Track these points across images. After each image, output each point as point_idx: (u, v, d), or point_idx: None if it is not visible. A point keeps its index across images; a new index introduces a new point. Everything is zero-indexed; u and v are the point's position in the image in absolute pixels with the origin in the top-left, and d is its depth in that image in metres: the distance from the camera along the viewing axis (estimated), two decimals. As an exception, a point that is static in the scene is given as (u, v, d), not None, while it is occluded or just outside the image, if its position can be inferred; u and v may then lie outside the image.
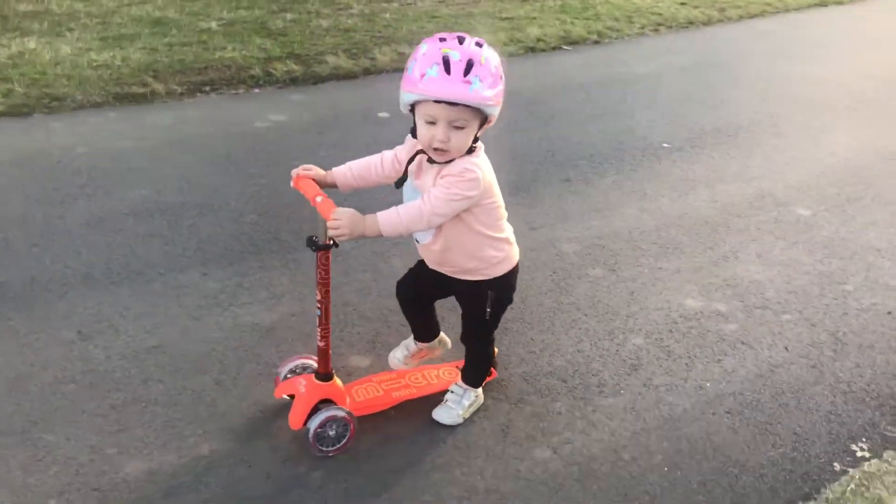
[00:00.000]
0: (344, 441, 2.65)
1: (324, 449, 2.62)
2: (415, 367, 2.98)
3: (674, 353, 3.26)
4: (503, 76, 2.27)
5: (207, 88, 6.10)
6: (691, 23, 8.82)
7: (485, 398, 2.93)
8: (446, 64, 2.18)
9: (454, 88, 2.18)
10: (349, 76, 6.53)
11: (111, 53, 6.64)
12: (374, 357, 3.14)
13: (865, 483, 2.65)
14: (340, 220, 2.27)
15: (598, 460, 2.71)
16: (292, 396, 2.77)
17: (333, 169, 2.62)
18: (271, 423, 2.78)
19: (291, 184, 2.57)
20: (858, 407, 3.01)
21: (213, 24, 7.78)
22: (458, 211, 2.38)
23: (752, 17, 9.35)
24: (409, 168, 2.46)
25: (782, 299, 3.67)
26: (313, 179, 2.56)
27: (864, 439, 2.85)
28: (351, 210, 2.31)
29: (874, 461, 2.75)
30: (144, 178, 4.48)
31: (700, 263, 3.94)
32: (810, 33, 8.82)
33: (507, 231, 2.60)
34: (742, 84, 6.84)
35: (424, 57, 2.22)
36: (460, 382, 2.84)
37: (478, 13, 8.83)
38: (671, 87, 6.59)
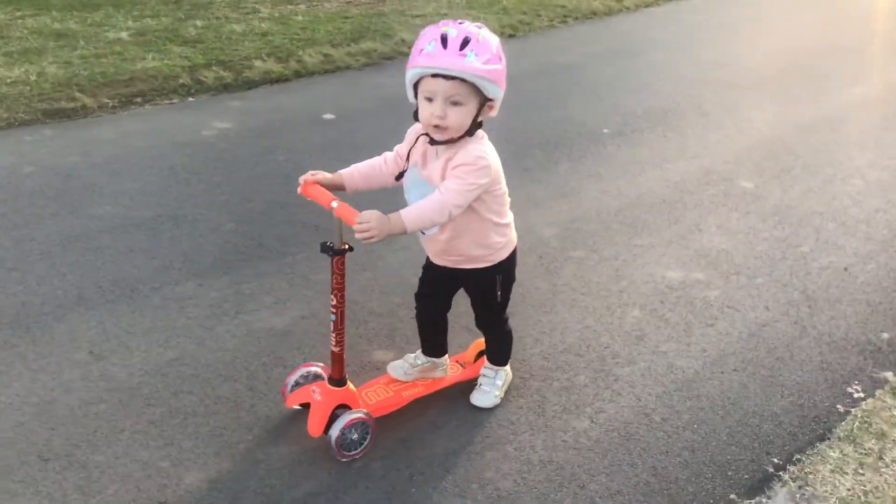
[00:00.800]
0: (367, 443, 2.66)
1: (348, 453, 2.62)
2: (415, 380, 2.94)
3: (670, 321, 3.48)
4: (503, 59, 2.30)
5: (139, 100, 5.97)
6: (594, 13, 9.20)
7: (514, 377, 3.05)
8: (443, 40, 2.22)
9: (449, 59, 2.21)
10: (281, 79, 6.52)
11: (23, 69, 6.38)
12: (396, 350, 3.20)
13: (867, 420, 2.93)
14: (369, 223, 2.22)
15: (632, 424, 2.88)
16: (305, 406, 2.77)
17: (340, 171, 2.61)
18: (317, 422, 2.80)
19: (299, 191, 2.55)
20: (844, 355, 3.31)
21: (123, 35, 7.58)
22: (472, 200, 2.43)
23: (647, 5, 9.85)
24: (413, 158, 2.50)
25: (750, 264, 3.96)
26: (321, 184, 2.53)
27: (856, 382, 3.14)
28: (376, 211, 2.27)
29: (870, 400, 3.04)
30: (105, 193, 4.37)
31: (669, 238, 4.19)
32: (703, 19, 9.38)
33: (510, 216, 2.65)
34: (656, 69, 7.22)
35: (424, 36, 2.28)
36: (489, 365, 2.92)
37: (389, 12, 8.93)
38: (593, 75, 6.90)
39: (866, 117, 6.15)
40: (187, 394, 2.92)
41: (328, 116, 5.67)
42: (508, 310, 2.89)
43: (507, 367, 2.97)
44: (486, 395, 2.89)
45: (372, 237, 2.23)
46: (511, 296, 2.83)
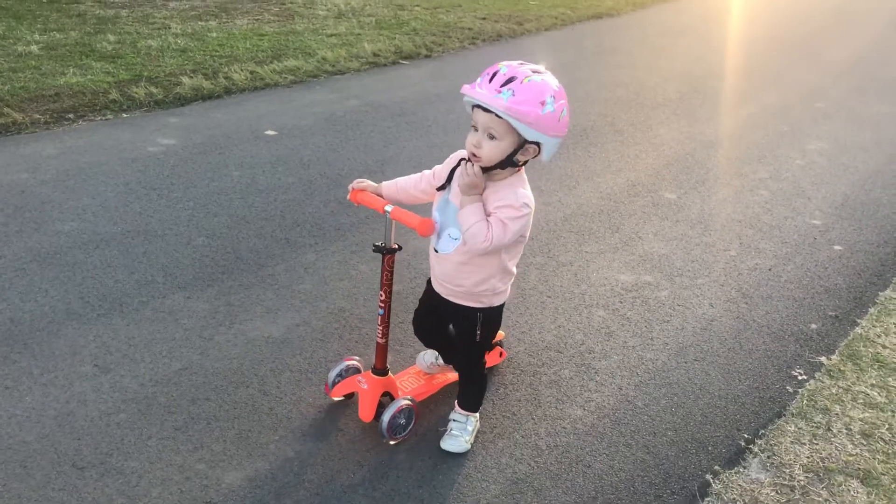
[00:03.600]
0: (411, 426, 2.92)
1: (396, 436, 2.88)
2: (436, 373, 3.18)
3: (632, 319, 3.85)
4: (554, 106, 2.37)
5: (72, 115, 5.90)
6: (500, 36, 9.66)
7: (506, 373, 3.33)
8: (493, 75, 2.36)
9: (483, 93, 2.34)
10: (212, 96, 6.57)
11: (-65, 83, 6.15)
12: (393, 353, 3.40)
13: (813, 398, 3.38)
14: (470, 178, 2.44)
15: (619, 410, 3.21)
16: (348, 396, 3.01)
17: (382, 183, 2.83)
18: (337, 420, 2.98)
19: (349, 197, 2.78)
20: (783, 343, 3.77)
21: (34, 48, 7.41)
22: (507, 245, 2.55)
23: (547, 29, 10.40)
24: (456, 181, 2.57)
25: (689, 267, 4.40)
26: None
27: (798, 367, 3.60)
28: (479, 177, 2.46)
29: (811, 381, 3.49)
30: (65, 209, 4.35)
31: (615, 244, 4.59)
32: (596, 42, 10.00)
33: (516, 267, 2.75)
34: (567, 89, 7.66)
35: (487, 69, 2.44)
36: (460, 410, 2.95)
37: (302, 30, 9.07)
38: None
39: (758, 134, 6.81)
40: (204, 400, 3.03)
41: (270, 133, 5.79)
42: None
43: (477, 415, 2.99)
44: (457, 439, 2.89)
45: (467, 178, 2.45)
46: (486, 352, 2.98)
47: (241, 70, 7.16)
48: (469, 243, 2.52)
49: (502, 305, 2.81)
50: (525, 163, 2.52)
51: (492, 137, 2.41)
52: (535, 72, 2.40)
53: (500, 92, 2.33)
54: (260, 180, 4.97)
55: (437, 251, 2.70)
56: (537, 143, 2.42)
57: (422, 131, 6.07)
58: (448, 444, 2.90)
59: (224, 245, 4.16)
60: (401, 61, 8.24)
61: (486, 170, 2.48)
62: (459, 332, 2.87)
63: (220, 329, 3.46)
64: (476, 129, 2.44)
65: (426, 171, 2.78)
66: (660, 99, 7.57)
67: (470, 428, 2.93)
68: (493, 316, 2.80)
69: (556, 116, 2.40)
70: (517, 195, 2.49)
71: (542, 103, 2.36)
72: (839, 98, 8.17)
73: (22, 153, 5.01)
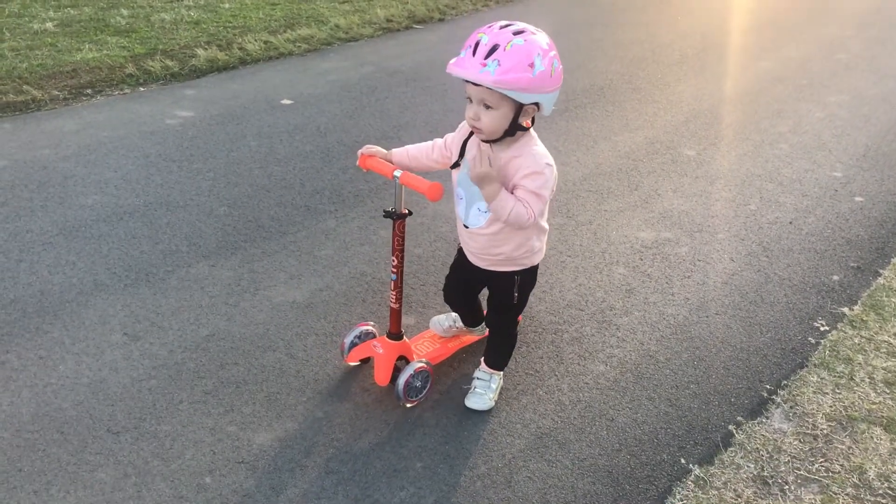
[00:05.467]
0: (427, 389, 2.95)
1: (412, 399, 2.91)
2: (453, 336, 3.21)
3: (652, 276, 3.86)
4: (543, 68, 2.28)
5: (90, 91, 5.93)
6: (513, -4, 9.56)
7: (528, 331, 3.36)
8: (475, 46, 2.27)
9: (467, 70, 2.26)
10: (228, 68, 6.57)
11: (-48, 62, 6.20)
12: (416, 315, 3.45)
13: (835, 349, 3.38)
14: (477, 168, 2.37)
15: (641, 365, 3.24)
16: (363, 361, 3.06)
17: (393, 150, 2.78)
18: (363, 381, 3.03)
19: (358, 163, 2.74)
20: (805, 296, 3.77)
21: (49, 26, 7.42)
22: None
23: (560, -12, 10.27)
24: (469, 155, 2.55)
25: (709, 223, 4.39)
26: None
27: (820, 318, 3.60)
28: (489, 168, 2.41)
29: (834, 332, 3.50)
30: (88, 183, 4.41)
31: (634, 202, 4.58)
32: (610, 1, 9.86)
33: (547, 225, 2.74)
34: (584, 49, 7.64)
35: (467, 41, 2.36)
36: (485, 368, 2.98)
37: (316, -1, 8.99)
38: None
39: (777, 88, 6.73)
40: (233, 365, 3.09)
41: (286, 102, 5.80)
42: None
43: (501, 372, 3.01)
44: (481, 397, 2.91)
45: (474, 171, 2.39)
46: (521, 312, 2.98)
47: (255, 40, 7.15)
48: (515, 226, 2.51)
49: (537, 267, 2.81)
50: (532, 122, 2.49)
51: (488, 107, 2.35)
52: (517, 33, 2.28)
53: (485, 65, 2.24)
54: (278, 149, 5.00)
55: (466, 227, 2.68)
56: (536, 103, 2.36)
57: (437, 96, 6.06)
58: (473, 401, 2.93)
59: (245, 214, 4.20)
60: (414, 26, 8.20)
61: (494, 140, 2.46)
62: (498, 295, 2.85)
63: (245, 296, 3.51)
64: (471, 101, 2.38)
65: (437, 140, 2.74)
66: (677, 56, 7.49)
67: (494, 386, 2.96)
68: (529, 276, 2.80)
69: (548, 73, 2.31)
70: (535, 158, 2.45)
71: (531, 65, 2.26)
72: (860, 50, 8.04)
73: (43, 129, 5.07)
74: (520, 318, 3.05)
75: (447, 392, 2.99)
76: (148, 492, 2.50)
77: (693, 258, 4.01)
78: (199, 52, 6.77)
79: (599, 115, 5.87)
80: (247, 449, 2.69)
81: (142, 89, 6.01)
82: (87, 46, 6.82)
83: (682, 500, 2.58)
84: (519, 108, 2.36)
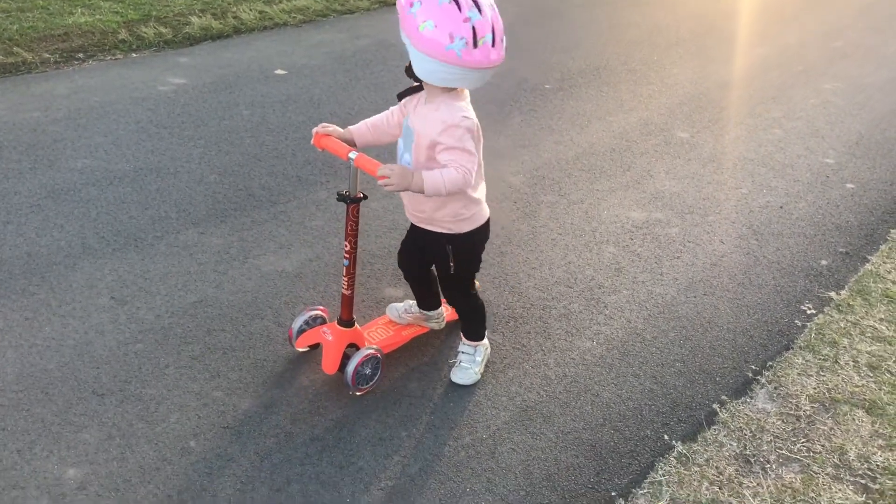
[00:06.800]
0: (377, 377, 2.85)
1: (361, 387, 2.80)
2: (408, 323, 3.10)
3: (642, 255, 3.87)
4: (415, 14, 2.23)
5: (81, 55, 5.87)
6: (512, -25, 9.48)
7: (516, 307, 3.36)
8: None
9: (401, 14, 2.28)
10: (221, 36, 6.52)
11: (-56, 22, 6.12)
12: (405, 286, 3.44)
13: (821, 332, 3.40)
14: (393, 175, 2.33)
15: (628, 343, 3.25)
16: (312, 347, 2.97)
17: (350, 127, 2.68)
18: (350, 351, 3.02)
19: (312, 142, 2.64)
20: (792, 279, 3.78)
21: (41, -12, 7.29)
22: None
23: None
24: (408, 107, 2.55)
25: (700, 205, 4.40)
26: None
27: (807, 301, 3.62)
28: (399, 165, 2.42)
29: (820, 316, 3.52)
30: (78, 147, 4.38)
31: (626, 182, 4.58)
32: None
33: (480, 193, 2.63)
34: (581, 29, 7.60)
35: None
36: (466, 341, 2.96)
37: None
38: (525, 35, 7.19)
39: (773, 74, 6.72)
40: (220, 331, 3.08)
41: (280, 72, 5.76)
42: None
43: (486, 342, 2.99)
44: (466, 371, 2.91)
45: (391, 186, 2.35)
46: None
47: (250, 10, 7.09)
48: (460, 191, 2.45)
49: (475, 234, 2.68)
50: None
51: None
52: None
53: (411, 5, 2.27)
54: (270, 119, 4.97)
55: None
56: None
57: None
58: (458, 376, 2.93)
59: (236, 182, 4.18)
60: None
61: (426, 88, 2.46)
62: (435, 262, 2.82)
63: (234, 264, 3.50)
64: None
65: (395, 107, 2.65)
66: (673, 38, 7.47)
67: (479, 358, 2.95)
68: (464, 245, 2.69)
69: (416, 24, 2.23)
70: (452, 112, 2.39)
71: (411, 4, 2.25)
72: (857, 38, 8.04)
73: (33, 92, 5.02)
74: (477, 285, 2.96)
75: (433, 363, 3.00)
76: (132, 453, 2.50)
77: (683, 239, 4.02)
78: (193, 19, 6.70)
79: (594, 96, 5.86)
80: (232, 414, 2.69)
81: (134, 55, 5.96)
82: (79, 10, 6.74)
83: (664, 476, 2.60)
84: None
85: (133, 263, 3.43)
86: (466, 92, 2.48)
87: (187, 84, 5.38)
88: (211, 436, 2.60)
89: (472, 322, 2.95)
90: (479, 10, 2.24)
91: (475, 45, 2.23)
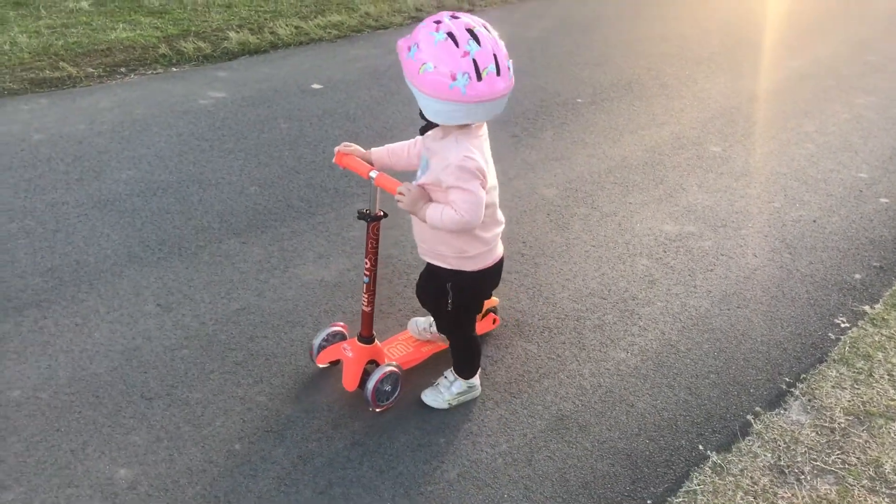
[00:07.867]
0: (397, 394, 2.87)
1: (381, 404, 2.82)
2: (427, 340, 3.10)
3: (675, 268, 3.91)
4: (413, 58, 2.24)
5: (123, 70, 6.02)
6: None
7: (550, 317, 3.41)
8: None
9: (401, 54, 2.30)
10: (259, 51, 6.65)
11: (-7, 38, 6.31)
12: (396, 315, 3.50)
13: (855, 345, 3.42)
14: (408, 194, 2.39)
15: (662, 354, 3.29)
16: (333, 363, 3.01)
17: (372, 149, 2.70)
18: (389, 359, 3.09)
19: (334, 160, 2.68)
20: (826, 292, 3.80)
21: (84, 4, 7.51)
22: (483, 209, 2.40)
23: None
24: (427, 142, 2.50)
25: (733, 218, 4.43)
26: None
27: (841, 315, 3.63)
28: (417, 187, 2.43)
29: (854, 329, 3.53)
30: (122, 159, 4.50)
31: (658, 196, 4.62)
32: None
33: (490, 234, 2.57)
34: (611, 44, 7.65)
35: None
36: (453, 370, 2.90)
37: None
38: (555, 49, 7.27)
39: (805, 89, 6.73)
40: (262, 338, 3.17)
41: (317, 87, 5.87)
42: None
43: (474, 382, 2.91)
44: (437, 395, 2.88)
45: (402, 203, 2.42)
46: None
47: (286, 25, 7.23)
48: (460, 231, 2.45)
49: (479, 277, 2.62)
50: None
51: None
52: (437, 22, 2.24)
53: (409, 50, 2.27)
54: (308, 132, 5.07)
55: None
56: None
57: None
58: (428, 396, 2.89)
59: (276, 194, 4.27)
60: (443, 16, 8.23)
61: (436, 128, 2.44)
62: (432, 294, 2.74)
63: (275, 273, 3.59)
64: None
65: (418, 138, 2.61)
66: (704, 52, 7.50)
67: (455, 391, 2.87)
68: (465, 284, 2.63)
69: (416, 67, 2.23)
70: (456, 152, 2.35)
71: (409, 48, 2.26)
72: (891, 51, 8.01)
73: (78, 106, 5.16)
74: (496, 321, 2.96)
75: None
76: (179, 455, 2.58)
77: (716, 252, 4.05)
78: (231, 34, 6.85)
79: (626, 110, 5.90)
80: (275, 419, 2.77)
81: (174, 69, 6.10)
82: (120, 26, 6.92)
83: (699, 485, 2.63)
84: None
85: (177, 272, 3.53)
86: (484, 128, 2.46)
87: (226, 98, 5.51)
88: (255, 439, 2.67)
89: (461, 359, 2.87)
90: (478, 41, 2.20)
91: (479, 78, 2.20)
